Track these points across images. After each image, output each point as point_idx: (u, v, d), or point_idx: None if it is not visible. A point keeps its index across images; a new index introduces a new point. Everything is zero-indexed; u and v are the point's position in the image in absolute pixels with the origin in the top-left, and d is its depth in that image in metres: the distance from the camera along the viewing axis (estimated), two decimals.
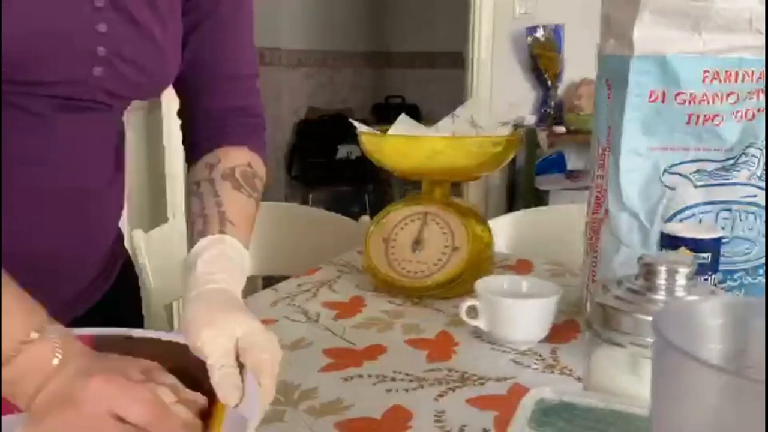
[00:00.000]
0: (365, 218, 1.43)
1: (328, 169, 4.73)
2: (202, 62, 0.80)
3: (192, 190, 0.77)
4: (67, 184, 0.72)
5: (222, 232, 0.70)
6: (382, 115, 4.83)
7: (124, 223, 0.82)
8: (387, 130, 1.07)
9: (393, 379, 0.77)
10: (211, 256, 0.66)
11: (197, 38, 0.79)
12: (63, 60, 0.65)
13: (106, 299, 0.84)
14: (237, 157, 0.79)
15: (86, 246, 0.77)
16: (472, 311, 0.87)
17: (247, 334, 0.58)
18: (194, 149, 0.83)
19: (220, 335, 0.57)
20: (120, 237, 0.90)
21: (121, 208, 0.86)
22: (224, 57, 0.82)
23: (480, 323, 0.87)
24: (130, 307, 0.91)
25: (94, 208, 0.77)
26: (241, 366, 0.57)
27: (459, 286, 1.01)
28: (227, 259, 0.67)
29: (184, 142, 0.86)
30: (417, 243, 1.04)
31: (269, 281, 1.28)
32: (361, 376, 0.78)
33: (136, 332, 0.64)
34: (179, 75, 0.79)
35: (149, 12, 0.71)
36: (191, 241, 0.70)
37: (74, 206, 0.73)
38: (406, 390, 0.74)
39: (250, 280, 1.77)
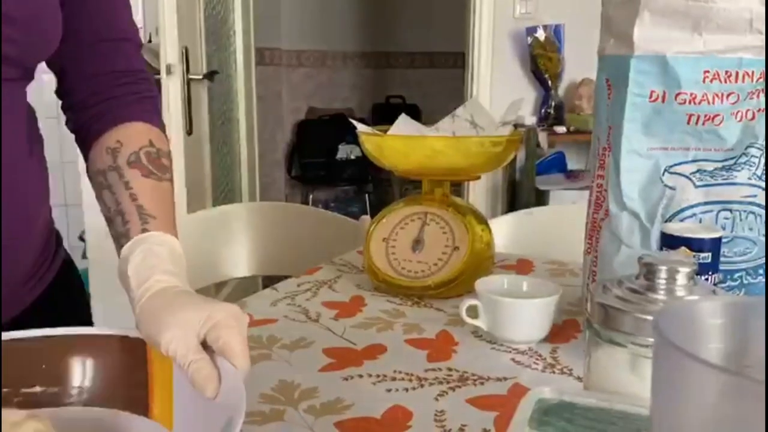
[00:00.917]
0: (365, 218, 1.43)
1: (328, 169, 4.73)
2: (77, 28, 0.76)
3: (99, 182, 0.74)
4: None
5: (144, 230, 0.67)
6: (382, 115, 4.83)
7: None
8: (387, 130, 1.07)
9: (393, 379, 0.77)
10: (137, 263, 0.64)
11: (69, 5, 0.74)
12: None
13: (41, 301, 0.80)
14: (137, 137, 0.75)
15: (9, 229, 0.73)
16: (472, 311, 0.87)
17: (203, 321, 0.57)
18: (85, 131, 0.78)
19: (177, 334, 0.56)
20: (55, 234, 0.86)
21: (45, 195, 0.81)
22: (99, 22, 0.77)
23: (480, 323, 0.87)
24: (70, 311, 0.87)
25: (7, 190, 0.71)
26: (212, 353, 0.56)
27: (459, 286, 1.01)
28: (154, 256, 0.65)
29: (69, 125, 0.81)
30: (417, 243, 1.04)
31: (269, 281, 1.29)
32: (361, 375, 0.78)
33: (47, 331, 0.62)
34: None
35: None
36: (117, 243, 0.68)
37: None
38: (406, 390, 0.74)
39: (250, 280, 1.77)
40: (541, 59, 3.06)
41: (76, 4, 0.75)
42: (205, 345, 0.57)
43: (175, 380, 0.59)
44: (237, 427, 0.48)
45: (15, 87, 0.74)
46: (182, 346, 0.55)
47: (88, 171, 0.77)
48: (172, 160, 0.78)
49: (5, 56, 0.68)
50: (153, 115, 0.80)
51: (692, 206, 0.82)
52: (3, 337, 0.59)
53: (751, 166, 0.82)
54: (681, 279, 0.56)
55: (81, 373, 0.61)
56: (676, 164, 0.82)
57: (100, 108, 0.78)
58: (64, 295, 0.85)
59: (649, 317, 0.54)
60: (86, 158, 0.78)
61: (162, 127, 0.80)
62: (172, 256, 0.66)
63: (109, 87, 0.78)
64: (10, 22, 0.66)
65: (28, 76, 0.75)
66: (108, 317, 2.50)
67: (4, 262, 0.73)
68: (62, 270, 0.85)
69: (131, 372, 0.61)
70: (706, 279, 0.74)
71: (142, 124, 0.77)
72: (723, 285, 0.80)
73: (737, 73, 0.78)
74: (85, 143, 0.78)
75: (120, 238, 0.68)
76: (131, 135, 0.75)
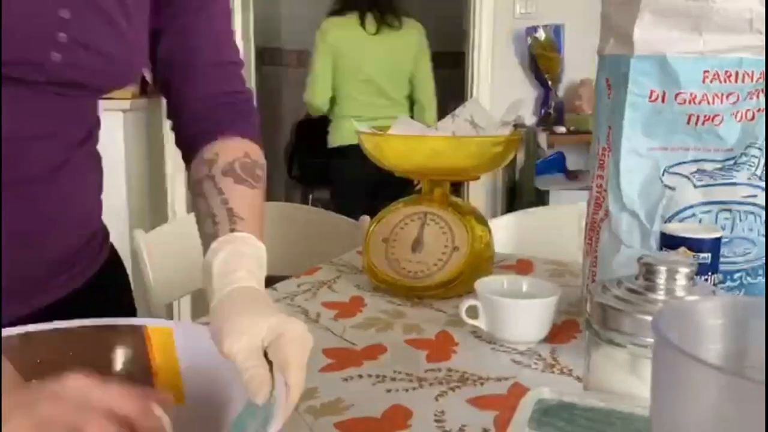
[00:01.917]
0: (365, 218, 1.43)
1: (328, 169, 4.72)
2: (182, 53, 0.80)
3: (196, 191, 0.76)
4: (29, 166, 0.71)
5: (232, 230, 0.69)
6: None
7: (124, 223, 0.80)
8: (387, 130, 1.07)
9: (393, 379, 0.77)
10: (224, 258, 0.65)
11: (175, 30, 0.79)
12: (19, 41, 0.64)
13: (82, 293, 0.82)
14: (234, 150, 0.78)
15: (48, 230, 0.76)
16: (472, 311, 0.87)
17: (271, 330, 0.57)
18: (189, 146, 0.82)
19: (242, 337, 0.56)
20: (101, 230, 0.88)
21: (94, 192, 0.84)
22: (205, 45, 0.82)
23: (480, 323, 0.87)
24: (112, 305, 0.89)
25: (56, 192, 0.75)
26: (271, 363, 0.56)
27: (459, 286, 1.01)
28: (240, 255, 0.66)
29: (177, 142, 0.85)
30: (417, 243, 1.04)
31: (269, 281, 1.28)
32: (361, 376, 0.78)
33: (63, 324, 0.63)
34: (164, 72, 0.80)
35: (115, 1, 0.71)
36: (204, 244, 0.70)
37: (37, 187, 0.72)
38: (406, 390, 0.74)
39: None
40: (541, 59, 3.06)
41: (185, 25, 0.80)
42: (266, 354, 0.57)
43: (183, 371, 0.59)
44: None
45: (85, 102, 0.78)
46: (245, 350, 0.56)
47: (188, 184, 0.81)
48: (266, 172, 0.81)
49: (90, 86, 0.73)
50: (251, 130, 0.83)
51: (692, 206, 0.82)
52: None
53: (750, 166, 0.82)
54: (681, 279, 0.56)
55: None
56: (675, 164, 0.82)
57: (204, 126, 0.81)
58: (104, 291, 0.87)
59: (649, 317, 0.54)
60: (188, 172, 0.81)
61: (259, 142, 0.83)
62: (257, 261, 0.67)
63: (214, 107, 0.82)
64: (100, 56, 0.70)
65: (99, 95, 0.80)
66: None
67: (31, 250, 0.74)
68: (104, 268, 0.87)
69: (132, 362, 0.61)
70: (706, 279, 0.74)
71: (240, 138, 0.80)
72: (723, 285, 0.80)
73: (737, 73, 0.78)
74: (188, 158, 0.82)
75: (208, 239, 0.69)
76: (228, 148, 0.78)
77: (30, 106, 0.70)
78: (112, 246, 0.91)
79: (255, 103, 0.89)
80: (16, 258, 0.73)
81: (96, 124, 0.83)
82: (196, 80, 0.82)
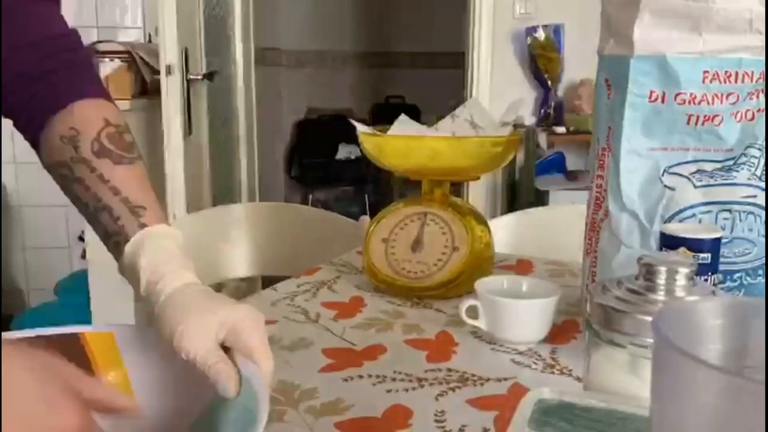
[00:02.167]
0: (365, 218, 1.43)
1: (328, 169, 4.73)
2: None
3: (63, 174, 0.68)
4: None
5: (141, 225, 0.64)
6: (382, 115, 4.83)
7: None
8: (387, 130, 1.07)
9: (393, 380, 0.77)
10: (149, 261, 0.62)
11: None
12: None
13: None
14: (92, 119, 0.68)
15: None
16: (472, 311, 0.87)
17: (221, 325, 0.57)
18: (26, 119, 0.71)
19: (197, 338, 0.56)
20: None
21: None
22: None
23: (480, 323, 0.87)
24: None
25: None
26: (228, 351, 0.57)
27: (459, 286, 1.01)
28: (164, 252, 0.63)
29: (7, 114, 0.72)
30: (417, 243, 1.04)
31: (269, 281, 1.28)
32: (361, 376, 0.78)
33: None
34: None
35: None
36: (109, 240, 0.66)
37: None
38: (406, 390, 0.74)
39: (250, 280, 1.77)
40: (540, 59, 3.06)
41: None
42: (225, 347, 0.57)
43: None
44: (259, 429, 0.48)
45: None
46: (202, 350, 0.56)
47: (42, 162, 0.71)
48: (131, 132, 0.71)
49: None
50: (96, 86, 0.72)
51: (692, 206, 0.82)
52: None
53: (750, 166, 0.82)
54: (680, 279, 0.56)
55: None
56: (675, 164, 0.82)
57: (37, 88, 0.70)
58: None
59: (649, 318, 0.54)
60: (35, 148, 0.71)
61: (109, 96, 0.72)
62: (180, 249, 0.65)
63: (39, 60, 0.69)
64: None
65: None
66: (107, 317, 2.50)
67: None
68: None
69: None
70: (706, 279, 0.74)
71: (91, 101, 0.70)
72: (723, 285, 0.80)
73: (737, 74, 0.78)
74: (28, 131, 0.71)
75: (113, 236, 0.65)
76: (84, 118, 0.69)
77: None
78: None
79: (85, 47, 0.75)
80: None
81: None
82: (9, 26, 0.68)
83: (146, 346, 0.62)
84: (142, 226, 0.65)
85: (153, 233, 0.65)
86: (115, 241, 0.66)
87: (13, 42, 0.69)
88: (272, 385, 0.56)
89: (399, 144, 1.05)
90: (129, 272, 0.64)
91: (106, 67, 2.36)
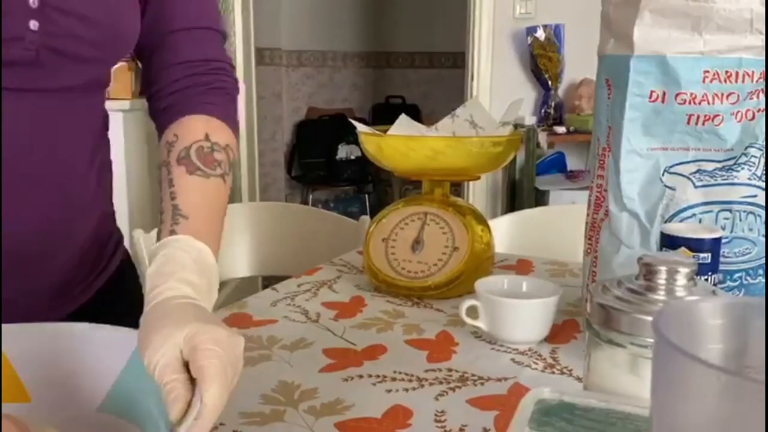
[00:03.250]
0: (365, 218, 1.43)
1: (328, 169, 4.74)
2: (157, 18, 0.76)
3: (158, 176, 0.74)
4: (35, 168, 0.69)
5: (172, 231, 0.66)
6: (382, 115, 4.84)
7: (124, 223, 0.79)
8: (387, 130, 1.07)
9: (393, 380, 0.77)
10: (154, 268, 0.63)
11: None
12: None
13: (96, 301, 0.82)
14: (194, 131, 0.74)
15: (57, 236, 0.74)
16: (472, 311, 0.87)
17: (187, 341, 0.53)
18: (158, 122, 0.78)
19: (159, 350, 0.53)
20: (114, 235, 0.88)
21: (105, 199, 0.83)
22: (179, 10, 0.77)
23: (480, 323, 0.87)
24: (126, 311, 0.88)
25: (66, 195, 0.73)
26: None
27: (459, 286, 1.01)
28: (174, 262, 0.63)
29: (150, 114, 0.81)
30: (417, 243, 1.04)
31: (269, 281, 1.29)
32: (361, 376, 0.78)
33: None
34: (140, 39, 0.75)
35: None
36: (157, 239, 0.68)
37: (47, 190, 0.71)
38: (406, 390, 0.74)
39: (250, 280, 1.77)
40: (541, 59, 3.06)
41: None
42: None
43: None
44: None
45: (90, 91, 0.75)
46: (161, 364, 0.53)
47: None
48: (232, 152, 0.76)
49: (85, 58, 0.69)
50: (218, 106, 0.77)
51: (692, 206, 0.82)
52: None
53: (751, 166, 0.82)
54: (681, 279, 0.56)
55: None
56: (675, 164, 0.82)
57: (171, 99, 0.77)
58: (116, 298, 0.86)
59: (649, 317, 0.54)
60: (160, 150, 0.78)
61: (230, 119, 0.78)
62: (196, 264, 0.64)
63: (181, 78, 0.77)
64: (88, 24, 0.67)
65: (105, 78, 0.76)
66: None
67: (48, 268, 0.74)
68: (118, 273, 0.86)
69: None
70: (706, 279, 0.74)
71: (202, 116, 0.75)
72: (723, 285, 0.80)
73: (737, 73, 0.78)
74: (158, 134, 0.78)
75: (159, 236, 0.68)
76: (189, 129, 0.74)
77: (50, 104, 0.69)
78: (126, 251, 0.90)
79: (235, 75, 0.83)
80: (34, 269, 0.72)
81: (104, 124, 0.81)
82: (163, 46, 0.77)
83: (33, 341, 0.61)
84: (172, 233, 0.66)
85: (173, 242, 0.65)
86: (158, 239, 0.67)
87: (167, 60, 0.78)
88: (211, 418, 0.50)
89: (399, 144, 1.05)
90: (145, 277, 0.65)
91: None
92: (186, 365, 0.53)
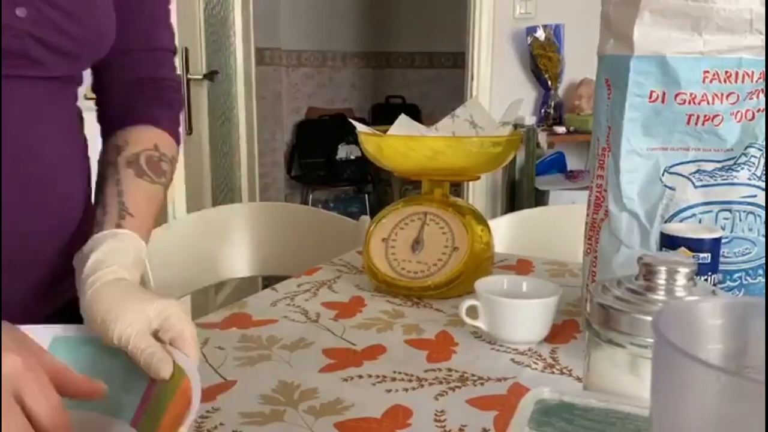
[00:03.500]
0: (365, 218, 1.43)
1: (328, 169, 4.74)
2: (126, 32, 0.80)
3: (99, 171, 0.78)
4: (19, 163, 0.70)
5: (119, 225, 0.71)
6: (382, 115, 4.84)
7: None
8: (387, 130, 1.07)
9: (393, 380, 0.77)
10: (104, 251, 0.67)
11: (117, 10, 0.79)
12: None
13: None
14: (144, 140, 0.79)
15: (45, 230, 0.75)
16: (472, 312, 0.87)
17: (158, 313, 0.60)
18: (106, 126, 0.83)
19: (132, 323, 0.59)
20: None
21: (87, 194, 0.84)
22: (138, 28, 0.82)
23: (480, 323, 0.87)
24: None
25: (51, 189, 0.75)
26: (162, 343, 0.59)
27: (459, 286, 1.01)
28: (117, 252, 0.67)
29: (98, 118, 0.85)
30: (417, 243, 1.04)
31: (269, 281, 1.29)
32: (361, 376, 0.78)
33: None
34: None
35: None
36: (91, 232, 0.71)
37: (32, 185, 0.72)
38: (406, 390, 0.74)
39: (250, 280, 1.77)
40: (540, 59, 3.06)
41: (120, 10, 0.79)
42: (156, 338, 0.59)
43: None
44: (192, 415, 0.50)
45: (67, 87, 0.77)
46: (135, 335, 0.58)
47: (98, 163, 0.81)
48: (174, 167, 0.82)
49: (66, 52, 0.71)
50: (170, 122, 0.83)
51: (692, 206, 0.82)
52: None
53: (750, 166, 0.82)
54: (680, 279, 0.56)
55: None
56: (675, 164, 0.82)
57: (123, 108, 0.82)
58: None
59: (649, 317, 0.54)
60: (101, 151, 0.82)
61: (175, 134, 0.84)
62: (135, 258, 0.69)
63: (135, 91, 0.83)
64: (68, 16, 0.69)
65: (79, 76, 0.79)
66: None
67: (38, 262, 0.75)
68: None
69: None
70: (706, 279, 0.74)
71: (153, 128, 0.81)
72: (722, 285, 0.80)
73: (737, 73, 0.78)
74: (104, 137, 0.83)
75: (95, 227, 0.71)
76: (139, 137, 0.79)
77: (31, 95, 0.70)
78: None
79: (183, 92, 0.90)
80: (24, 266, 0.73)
81: (80, 116, 0.83)
82: (122, 63, 0.82)
83: None
84: (119, 226, 0.70)
85: (121, 235, 0.70)
86: (95, 231, 0.70)
87: (122, 75, 0.83)
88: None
89: (399, 144, 1.05)
90: (81, 257, 0.68)
91: None
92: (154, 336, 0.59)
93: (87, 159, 0.85)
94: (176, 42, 0.90)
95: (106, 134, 0.82)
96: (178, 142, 0.84)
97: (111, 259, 0.66)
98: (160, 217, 0.81)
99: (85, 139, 0.84)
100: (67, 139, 0.78)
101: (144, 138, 0.79)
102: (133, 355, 0.58)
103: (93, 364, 0.60)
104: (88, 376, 0.56)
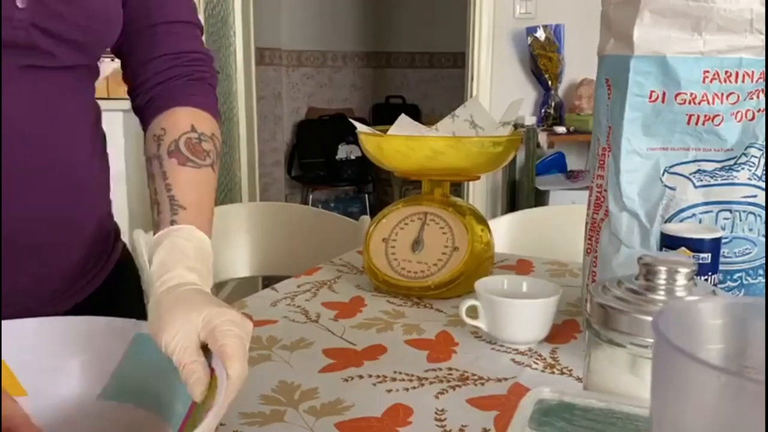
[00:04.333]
0: (365, 218, 1.43)
1: (328, 169, 4.74)
2: (134, 13, 0.78)
3: (148, 169, 0.76)
4: (38, 155, 0.70)
5: (173, 221, 0.69)
6: (382, 115, 4.84)
7: (124, 223, 0.81)
8: (387, 130, 1.07)
9: (393, 380, 0.77)
10: (161, 256, 0.66)
11: None
12: None
13: (100, 292, 0.83)
14: (181, 123, 0.76)
15: (64, 223, 0.75)
16: (472, 312, 0.87)
17: (205, 323, 0.57)
18: (142, 116, 0.81)
19: (177, 333, 0.57)
20: (114, 228, 0.88)
21: (106, 189, 0.84)
22: (159, 4, 0.79)
23: (480, 323, 0.87)
24: (127, 303, 0.89)
25: (71, 182, 0.75)
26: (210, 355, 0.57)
27: (459, 286, 1.01)
28: (177, 251, 0.66)
29: (133, 109, 0.83)
30: (417, 243, 1.04)
31: (269, 281, 1.29)
32: (361, 376, 0.78)
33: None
34: (120, 34, 0.77)
35: None
36: (153, 231, 0.70)
37: (51, 177, 0.72)
38: (407, 390, 0.74)
39: (250, 280, 1.78)
40: (541, 59, 3.06)
41: None
42: (206, 348, 0.57)
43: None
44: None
45: (83, 79, 0.76)
46: (180, 347, 0.56)
47: (144, 157, 0.79)
48: (218, 140, 0.79)
49: (73, 41, 0.70)
50: (201, 97, 0.80)
51: (692, 206, 0.82)
52: None
53: (751, 166, 0.82)
54: (681, 279, 0.56)
55: None
56: (675, 164, 0.82)
57: (154, 92, 0.79)
58: (116, 293, 0.87)
59: (649, 317, 0.54)
60: (144, 144, 0.80)
61: (212, 109, 0.81)
62: (198, 253, 0.67)
63: (163, 70, 0.79)
64: (72, 5, 0.68)
65: (94, 67, 0.78)
66: None
67: (56, 257, 0.75)
68: (117, 268, 0.87)
69: None
70: (706, 279, 0.74)
71: (188, 108, 0.78)
72: (723, 285, 0.80)
73: (737, 73, 0.78)
74: (143, 128, 0.80)
75: (154, 228, 0.70)
76: (175, 121, 0.76)
77: (45, 88, 0.69)
78: (124, 245, 0.92)
79: (214, 66, 0.85)
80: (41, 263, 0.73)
81: (97, 110, 0.82)
82: (142, 41, 0.79)
83: (31, 336, 0.62)
84: (172, 223, 0.69)
85: (176, 231, 0.68)
86: (153, 232, 0.69)
87: (146, 56, 0.80)
88: (236, 390, 0.54)
89: (399, 144, 1.05)
90: (150, 266, 0.67)
91: (108, 67, 2.36)
92: (202, 348, 0.57)
93: (105, 154, 0.83)
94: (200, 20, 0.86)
95: (145, 125, 0.80)
96: (216, 117, 0.81)
97: (171, 263, 0.64)
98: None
99: (103, 134, 0.83)
100: (83, 130, 0.77)
101: (180, 121, 0.76)
102: (177, 368, 0.56)
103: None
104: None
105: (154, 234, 0.70)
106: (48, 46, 0.68)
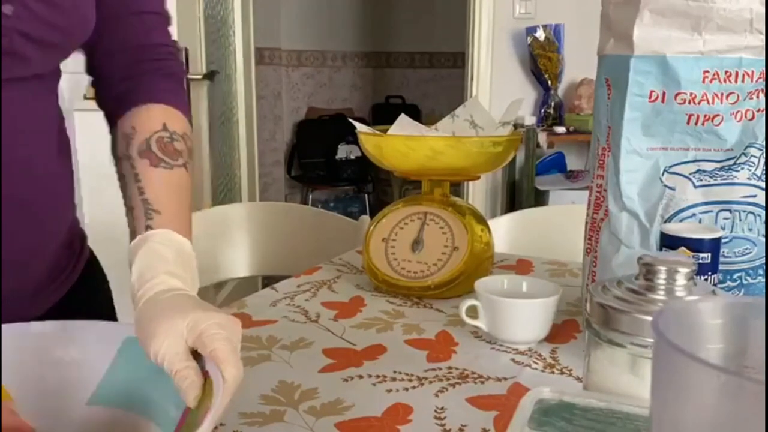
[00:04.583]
0: (365, 218, 1.43)
1: (328, 169, 4.74)
2: (104, 2, 0.74)
3: (117, 170, 0.73)
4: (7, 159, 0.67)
5: (148, 227, 0.67)
6: (382, 115, 4.84)
7: (124, 223, 0.79)
8: (387, 130, 1.07)
9: (393, 380, 0.77)
10: (139, 264, 0.64)
11: None
12: None
13: (67, 300, 0.81)
14: (151, 122, 0.73)
15: (31, 231, 0.73)
16: (472, 311, 0.87)
17: (191, 330, 0.55)
18: (109, 111, 0.78)
19: (165, 340, 0.55)
20: (80, 234, 0.87)
21: (71, 197, 0.82)
22: None
23: (480, 323, 0.87)
24: (94, 309, 0.86)
25: (38, 189, 0.72)
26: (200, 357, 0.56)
27: (459, 286, 1.01)
28: (156, 257, 0.64)
29: (98, 103, 0.79)
30: (417, 243, 1.04)
31: (269, 281, 1.29)
32: (361, 376, 0.78)
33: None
34: None
35: None
36: (130, 235, 0.69)
37: (14, 184, 0.69)
38: (406, 389, 0.74)
39: (250, 280, 1.78)
40: (540, 59, 3.06)
41: None
42: (197, 352, 0.56)
43: None
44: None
45: (49, 85, 0.74)
46: (169, 354, 0.55)
47: (112, 154, 0.77)
48: (189, 139, 0.76)
49: (50, 44, 0.68)
50: (173, 94, 0.77)
51: (692, 206, 0.82)
52: None
53: (750, 166, 0.82)
54: (680, 279, 0.56)
55: None
56: (675, 164, 0.82)
57: (122, 87, 0.76)
58: (87, 295, 0.85)
59: (649, 317, 0.54)
60: (111, 140, 0.77)
61: (182, 105, 0.78)
62: (177, 256, 0.65)
63: (131, 63, 0.77)
64: (54, 7, 0.66)
65: (58, 70, 0.75)
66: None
67: (28, 264, 0.73)
68: (86, 270, 0.86)
69: None
70: (706, 279, 0.74)
71: (159, 106, 0.75)
72: (722, 285, 0.80)
73: (737, 73, 0.78)
74: (110, 124, 0.77)
75: (131, 235, 0.68)
76: (145, 120, 0.74)
77: (16, 96, 0.67)
78: (89, 248, 0.90)
79: (182, 59, 0.82)
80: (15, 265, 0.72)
81: (60, 118, 0.79)
82: (109, 31, 0.75)
83: (15, 341, 0.61)
84: (148, 228, 0.67)
85: (151, 237, 0.66)
86: (130, 239, 0.68)
87: (114, 46, 0.76)
88: (231, 393, 0.53)
89: (399, 144, 1.05)
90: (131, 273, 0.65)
91: None
92: (192, 352, 0.56)
93: (69, 161, 0.80)
94: (166, 7, 0.82)
95: (112, 121, 0.77)
96: (186, 114, 0.78)
97: (150, 270, 0.63)
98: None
99: (67, 139, 0.80)
100: (52, 141, 0.74)
101: (151, 120, 0.74)
102: (168, 375, 0.55)
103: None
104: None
105: (131, 241, 0.68)
106: (26, 51, 0.65)
